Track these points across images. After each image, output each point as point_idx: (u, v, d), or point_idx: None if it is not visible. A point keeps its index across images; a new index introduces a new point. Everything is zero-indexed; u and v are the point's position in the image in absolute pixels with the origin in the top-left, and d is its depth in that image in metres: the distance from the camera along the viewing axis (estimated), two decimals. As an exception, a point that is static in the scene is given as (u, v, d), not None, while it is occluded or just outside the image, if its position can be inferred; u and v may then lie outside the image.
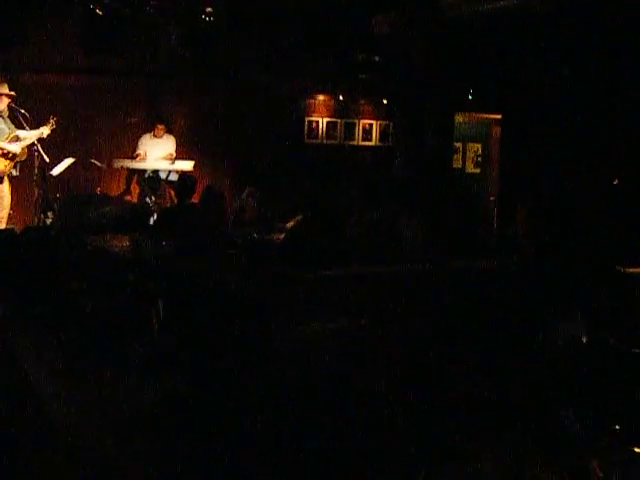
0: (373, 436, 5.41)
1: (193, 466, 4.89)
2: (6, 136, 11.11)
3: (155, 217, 11.41)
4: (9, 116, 11.31)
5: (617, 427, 5.47)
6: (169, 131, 13.32)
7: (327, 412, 5.63)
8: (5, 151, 11.01)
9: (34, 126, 11.30)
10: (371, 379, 6.17)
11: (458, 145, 16.14)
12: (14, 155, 11.15)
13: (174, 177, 12.27)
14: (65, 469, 4.84)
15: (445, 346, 6.64)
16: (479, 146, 16.47)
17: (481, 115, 15.92)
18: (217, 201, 9.14)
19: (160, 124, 13.13)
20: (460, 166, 16.24)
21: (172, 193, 12.18)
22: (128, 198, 13.04)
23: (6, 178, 11.18)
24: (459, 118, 15.70)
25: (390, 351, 6.51)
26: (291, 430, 5.31)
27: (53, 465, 4.89)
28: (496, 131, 15.90)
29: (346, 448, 5.16)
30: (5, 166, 11.08)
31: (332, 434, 5.31)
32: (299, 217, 9.73)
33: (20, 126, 11.28)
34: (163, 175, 12.65)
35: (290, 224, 9.93)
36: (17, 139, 11.17)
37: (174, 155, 12.94)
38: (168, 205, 12.36)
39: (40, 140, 11.27)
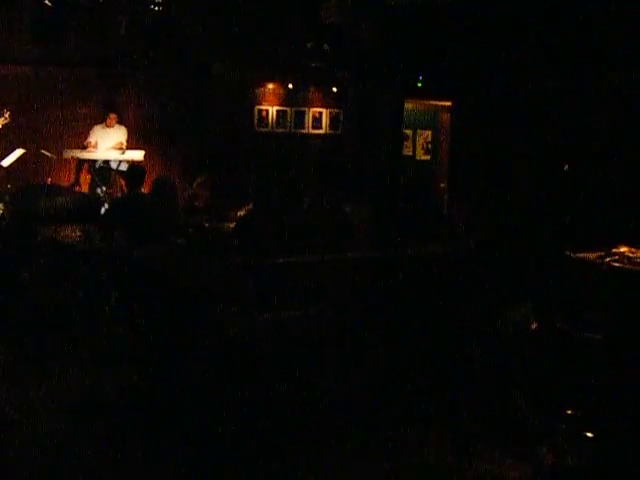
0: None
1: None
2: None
3: (106, 207, 11.39)
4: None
5: (569, 411, 5.57)
6: (121, 121, 13.26)
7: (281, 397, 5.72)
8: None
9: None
10: (323, 366, 6.25)
11: (408, 132, 16.23)
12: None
13: (125, 167, 12.22)
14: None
15: (396, 331, 6.73)
16: (429, 133, 16.57)
17: (431, 102, 16.01)
18: (168, 190, 9.13)
19: (112, 114, 13.07)
20: (411, 153, 16.32)
21: (123, 183, 12.14)
22: (79, 188, 12.97)
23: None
24: (409, 105, 15.78)
25: (343, 338, 6.59)
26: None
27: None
28: (446, 118, 16.01)
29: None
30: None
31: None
32: (250, 206, 9.77)
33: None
34: (114, 165, 12.59)
35: (241, 213, 9.97)
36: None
37: (124, 145, 12.88)
38: (119, 195, 12.31)
39: (-11, 132, 11.22)
